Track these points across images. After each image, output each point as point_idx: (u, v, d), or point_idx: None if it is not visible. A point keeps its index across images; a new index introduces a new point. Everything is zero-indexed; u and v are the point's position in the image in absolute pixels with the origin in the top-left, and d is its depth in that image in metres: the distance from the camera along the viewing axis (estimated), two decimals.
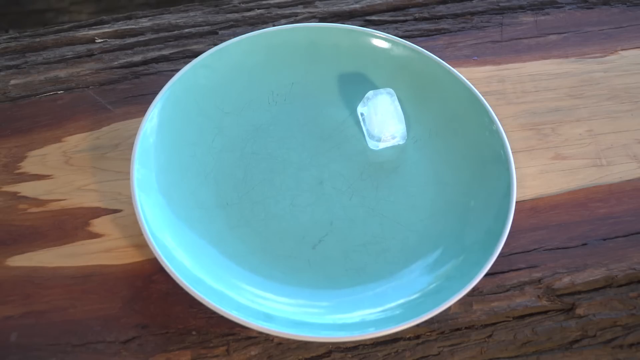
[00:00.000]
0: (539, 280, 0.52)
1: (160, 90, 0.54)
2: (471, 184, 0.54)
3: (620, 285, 0.52)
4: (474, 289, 0.49)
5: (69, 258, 0.51)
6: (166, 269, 0.46)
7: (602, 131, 0.60)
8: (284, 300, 0.48)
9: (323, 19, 0.66)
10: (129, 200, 0.53)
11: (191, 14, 0.66)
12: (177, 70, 0.56)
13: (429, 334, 0.49)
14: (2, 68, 0.61)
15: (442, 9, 0.68)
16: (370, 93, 0.55)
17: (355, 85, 0.59)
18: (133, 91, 0.60)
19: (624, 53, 0.65)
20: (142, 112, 0.53)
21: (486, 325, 0.49)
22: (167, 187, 0.51)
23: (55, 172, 0.55)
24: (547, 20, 0.68)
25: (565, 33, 0.67)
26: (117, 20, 0.66)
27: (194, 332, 0.48)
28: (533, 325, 0.50)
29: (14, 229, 0.52)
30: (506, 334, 0.49)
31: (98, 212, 0.53)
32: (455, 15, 0.68)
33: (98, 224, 0.52)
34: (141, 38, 0.64)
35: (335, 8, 0.67)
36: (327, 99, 0.59)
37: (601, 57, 0.65)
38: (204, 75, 0.56)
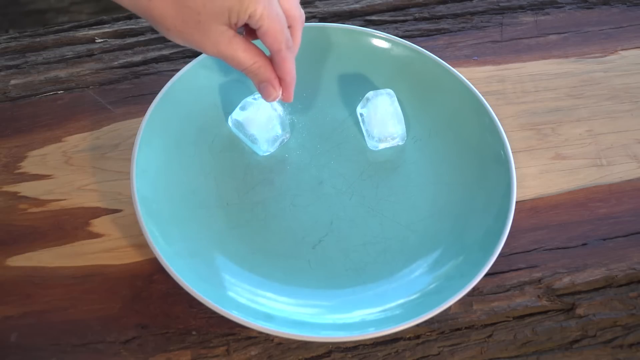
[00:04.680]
0: (539, 280, 0.52)
1: (160, 90, 0.54)
2: (471, 184, 0.54)
3: (620, 285, 0.52)
4: (474, 289, 0.49)
5: (69, 258, 0.51)
6: (166, 268, 0.46)
7: (602, 131, 0.60)
8: (284, 300, 0.48)
9: (323, 19, 0.66)
10: (129, 200, 0.53)
11: None
12: (177, 70, 0.56)
13: (429, 334, 0.49)
14: (2, 68, 0.61)
15: (442, 9, 0.68)
16: (370, 94, 0.55)
17: (355, 85, 0.59)
18: (133, 91, 0.60)
19: (624, 53, 0.65)
20: (142, 112, 0.53)
21: (486, 325, 0.49)
22: (167, 187, 0.51)
23: (55, 172, 0.55)
24: (547, 20, 0.68)
25: (565, 33, 0.67)
26: (117, 20, 0.66)
27: (194, 332, 0.48)
28: (533, 325, 0.50)
29: (14, 229, 0.52)
30: (506, 334, 0.49)
31: (98, 212, 0.53)
32: (455, 15, 0.68)
33: (98, 224, 0.52)
34: (141, 38, 0.64)
35: (335, 8, 0.67)
36: (327, 99, 0.59)
37: (601, 57, 0.65)
38: (204, 75, 0.56)
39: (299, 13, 0.49)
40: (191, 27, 0.44)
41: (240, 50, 0.46)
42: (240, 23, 0.45)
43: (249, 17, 0.44)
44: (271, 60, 0.49)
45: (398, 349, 0.48)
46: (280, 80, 0.50)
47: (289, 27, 0.48)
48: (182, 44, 0.46)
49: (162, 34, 0.46)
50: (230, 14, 0.44)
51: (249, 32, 0.49)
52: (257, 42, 0.49)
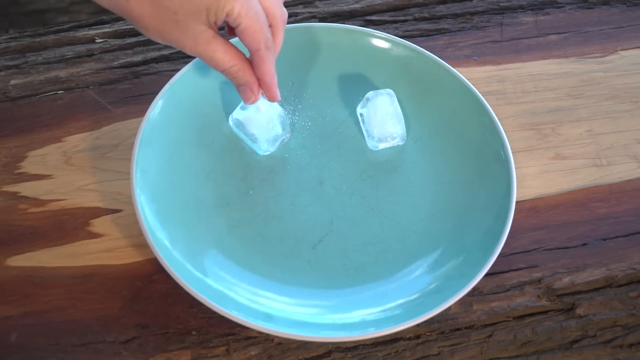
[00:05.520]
0: (539, 280, 0.52)
1: (160, 90, 0.54)
2: (471, 184, 0.54)
3: (620, 285, 0.52)
4: (474, 289, 0.49)
5: (69, 258, 0.51)
6: (166, 268, 0.46)
7: (602, 131, 0.60)
8: (284, 300, 0.48)
9: (323, 19, 0.66)
10: (129, 200, 0.52)
11: None
12: (177, 70, 0.56)
13: (429, 334, 0.49)
14: (2, 68, 0.61)
15: (442, 9, 0.68)
16: (370, 94, 0.55)
17: (355, 85, 0.59)
18: (133, 91, 0.60)
19: (624, 53, 0.65)
20: (142, 112, 0.53)
21: (486, 325, 0.49)
22: (167, 187, 0.51)
23: (55, 172, 0.55)
24: (547, 20, 0.68)
25: (565, 33, 0.67)
26: (117, 20, 0.66)
27: (194, 332, 0.48)
28: (533, 325, 0.50)
29: (14, 229, 0.52)
30: (506, 334, 0.49)
31: (98, 212, 0.53)
32: (455, 15, 0.68)
33: (98, 224, 0.52)
34: (141, 38, 0.64)
35: (335, 8, 0.67)
36: (327, 99, 0.59)
37: (601, 57, 0.65)
38: (204, 75, 0.56)
39: (280, 12, 0.48)
40: (169, 27, 0.44)
41: (219, 52, 0.46)
42: (219, 22, 0.45)
43: (227, 15, 0.44)
44: (250, 60, 0.48)
45: (398, 349, 0.48)
46: (260, 81, 0.49)
47: (270, 26, 0.47)
48: (162, 43, 0.46)
49: (142, 33, 0.45)
50: (209, 13, 0.43)
51: (230, 30, 0.49)
52: (238, 42, 0.48)
